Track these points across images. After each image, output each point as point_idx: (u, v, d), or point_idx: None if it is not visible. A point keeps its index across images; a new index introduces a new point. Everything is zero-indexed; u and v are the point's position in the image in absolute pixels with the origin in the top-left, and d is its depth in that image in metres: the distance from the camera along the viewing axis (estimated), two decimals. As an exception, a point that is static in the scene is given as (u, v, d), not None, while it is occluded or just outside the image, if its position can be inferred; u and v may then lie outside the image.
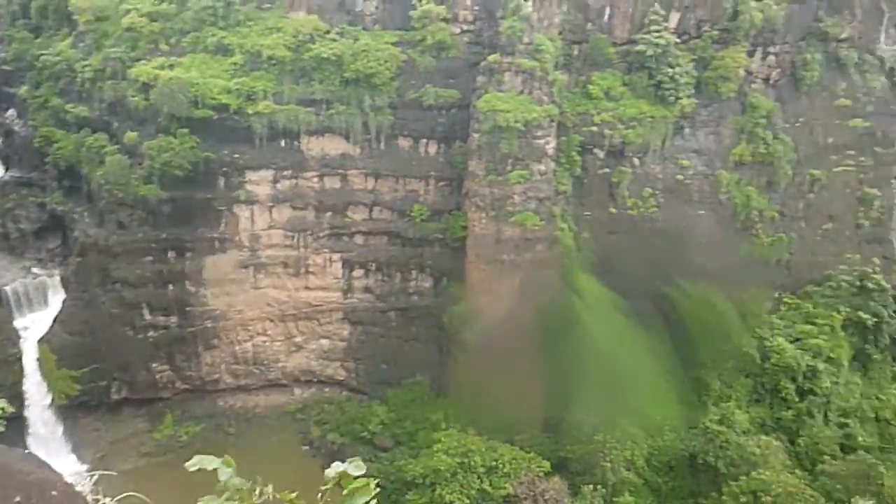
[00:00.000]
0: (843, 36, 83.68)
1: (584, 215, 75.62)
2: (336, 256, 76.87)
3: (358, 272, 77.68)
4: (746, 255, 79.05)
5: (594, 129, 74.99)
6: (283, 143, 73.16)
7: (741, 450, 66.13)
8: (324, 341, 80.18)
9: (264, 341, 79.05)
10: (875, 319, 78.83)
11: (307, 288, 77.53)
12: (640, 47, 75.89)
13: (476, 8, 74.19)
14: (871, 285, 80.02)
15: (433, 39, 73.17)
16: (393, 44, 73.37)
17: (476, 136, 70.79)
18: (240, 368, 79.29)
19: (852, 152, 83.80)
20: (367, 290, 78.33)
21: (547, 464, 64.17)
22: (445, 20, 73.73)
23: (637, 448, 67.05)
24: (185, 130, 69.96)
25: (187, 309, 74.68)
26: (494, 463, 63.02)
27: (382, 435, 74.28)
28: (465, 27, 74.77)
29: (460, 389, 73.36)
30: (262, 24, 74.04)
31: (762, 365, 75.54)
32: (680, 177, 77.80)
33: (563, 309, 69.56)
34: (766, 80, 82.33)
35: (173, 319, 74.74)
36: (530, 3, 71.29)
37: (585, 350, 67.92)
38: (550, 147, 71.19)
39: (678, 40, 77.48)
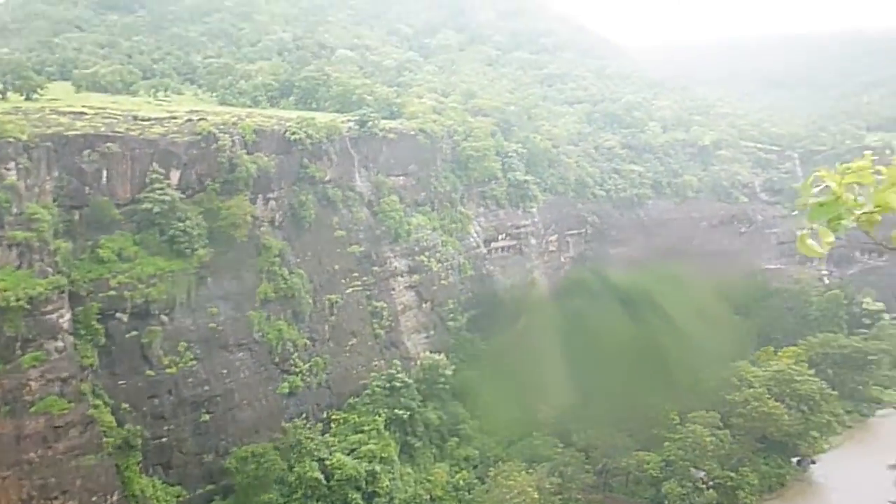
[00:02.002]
0: (327, 178, 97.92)
1: (118, 385, 71.22)
2: None
3: None
4: (289, 387, 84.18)
5: (112, 293, 71.99)
6: None
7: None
8: None
9: None
10: (409, 412, 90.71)
11: None
12: (145, 205, 76.71)
13: (-56, 183, 66.13)
14: (398, 384, 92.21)
15: None
16: None
17: (-31, 324, 61.64)
18: None
19: (356, 274, 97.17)
20: None
21: None
22: None
23: None
24: None
25: None
26: None
27: None
28: (-68, 205, 65.73)
29: None
30: None
31: (328, 484, 79.82)
32: (213, 325, 79.40)
33: None
34: (272, 222, 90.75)
35: None
36: (14, 172, 66.58)
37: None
38: (65, 321, 65.80)
39: (183, 195, 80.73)
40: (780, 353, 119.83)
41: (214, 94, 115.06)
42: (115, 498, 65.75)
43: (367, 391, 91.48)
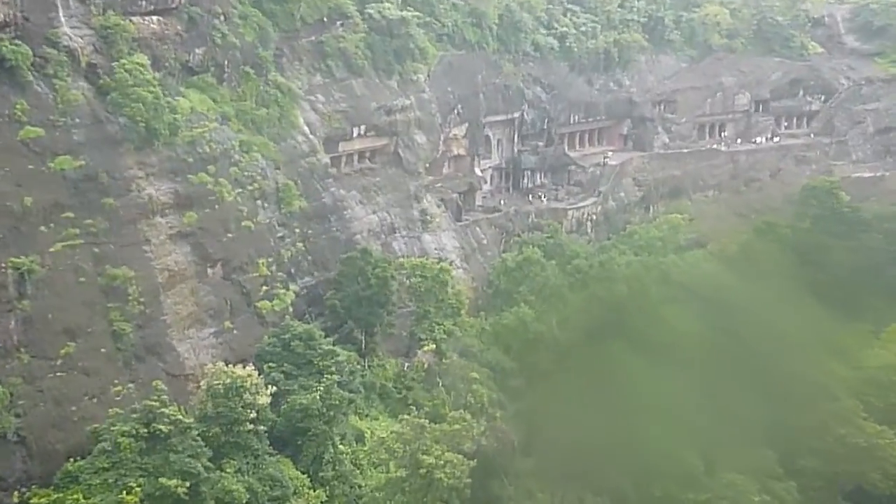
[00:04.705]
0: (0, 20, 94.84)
1: None
2: None
3: None
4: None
5: None
6: None
7: None
8: None
9: None
10: (188, 482, 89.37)
11: None
12: None
13: None
14: (163, 428, 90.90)
15: None
16: None
17: None
18: None
19: (72, 214, 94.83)
20: None
21: None
22: None
23: None
24: None
25: None
26: None
27: None
28: None
29: None
30: None
31: None
32: None
33: None
34: None
35: None
36: None
37: None
38: None
39: None
40: (882, 335, 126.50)
41: None
42: None
43: (104, 444, 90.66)
